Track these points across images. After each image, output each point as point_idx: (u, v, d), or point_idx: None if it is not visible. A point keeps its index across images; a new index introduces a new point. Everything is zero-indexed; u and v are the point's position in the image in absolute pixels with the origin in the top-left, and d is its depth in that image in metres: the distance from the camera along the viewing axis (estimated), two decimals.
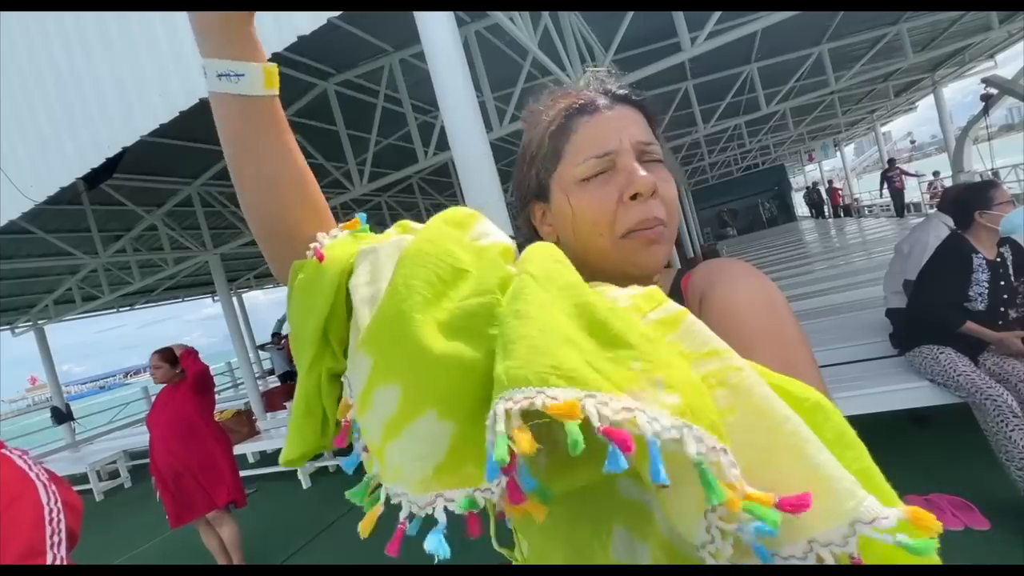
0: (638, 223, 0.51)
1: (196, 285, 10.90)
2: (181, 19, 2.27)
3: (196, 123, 4.52)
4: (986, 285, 2.10)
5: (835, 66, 6.99)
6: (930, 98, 11.68)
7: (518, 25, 2.87)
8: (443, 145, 4.86)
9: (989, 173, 10.38)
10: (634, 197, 0.51)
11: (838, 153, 19.33)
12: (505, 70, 4.74)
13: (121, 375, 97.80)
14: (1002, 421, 1.89)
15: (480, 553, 0.68)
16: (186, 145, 5.00)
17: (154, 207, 6.22)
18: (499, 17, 2.55)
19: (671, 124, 8.29)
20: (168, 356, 3.11)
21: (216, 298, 11.79)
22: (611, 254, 0.53)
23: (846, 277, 5.03)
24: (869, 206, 16.93)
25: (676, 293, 0.56)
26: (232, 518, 3.16)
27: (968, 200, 2.16)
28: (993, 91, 7.77)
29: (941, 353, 2.15)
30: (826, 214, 17.97)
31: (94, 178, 3.13)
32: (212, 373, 3.24)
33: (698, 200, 20.12)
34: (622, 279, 0.50)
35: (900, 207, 11.67)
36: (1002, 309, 2.11)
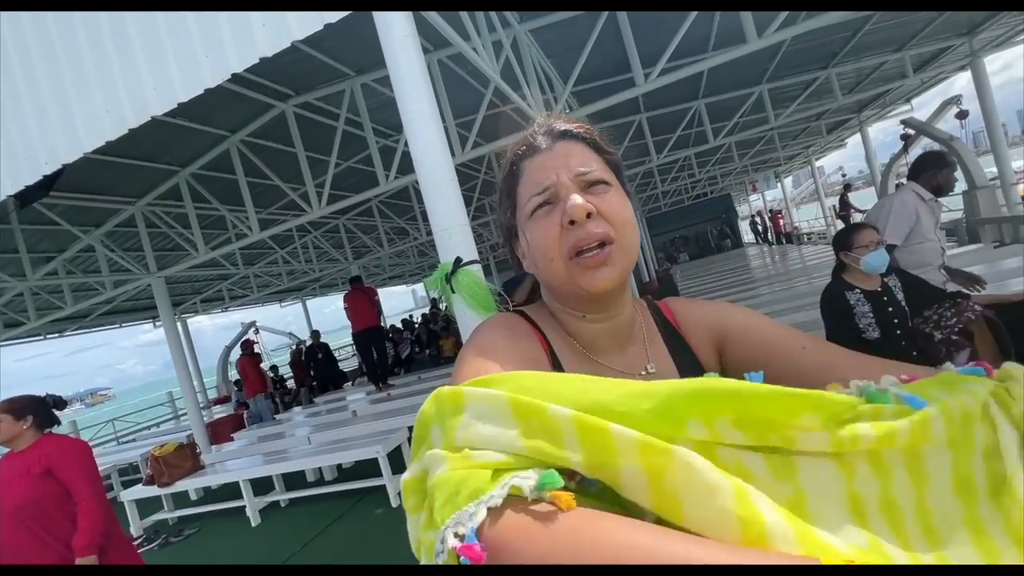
0: (575, 244, 0.56)
1: (135, 310, 10.27)
2: (134, 32, 2.20)
3: (144, 141, 4.37)
4: (871, 316, 2.28)
5: (774, 104, 7.52)
6: (858, 136, 12.72)
7: (480, 55, 2.95)
8: (405, 169, 4.85)
9: None
10: (572, 223, 0.56)
11: (779, 184, 20.64)
12: (467, 98, 4.82)
13: None
14: None
15: None
16: (131, 163, 4.78)
17: (92, 227, 5.86)
18: (462, 46, 2.61)
19: (625, 155, 8.63)
20: (14, 406, 2.21)
21: (157, 323, 11.12)
22: (564, 277, 0.58)
23: (791, 300, 5.31)
24: (808, 234, 18.11)
25: (662, 322, 0.69)
26: None
27: (836, 241, 2.42)
28: (911, 131, 8.57)
29: None
30: (769, 240, 19.08)
31: (27, 196, 2.93)
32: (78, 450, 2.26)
33: (652, 227, 20.87)
34: (578, 299, 0.61)
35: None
36: (897, 332, 2.28)
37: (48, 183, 2.79)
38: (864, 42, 6.50)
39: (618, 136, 7.57)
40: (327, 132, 5.03)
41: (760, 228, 20.19)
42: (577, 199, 0.56)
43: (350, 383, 9.21)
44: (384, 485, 3.97)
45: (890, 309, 2.28)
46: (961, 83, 8.63)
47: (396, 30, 1.73)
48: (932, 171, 2.80)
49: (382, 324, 7.37)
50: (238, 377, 11.32)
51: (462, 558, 0.34)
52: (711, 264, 13.82)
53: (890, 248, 2.63)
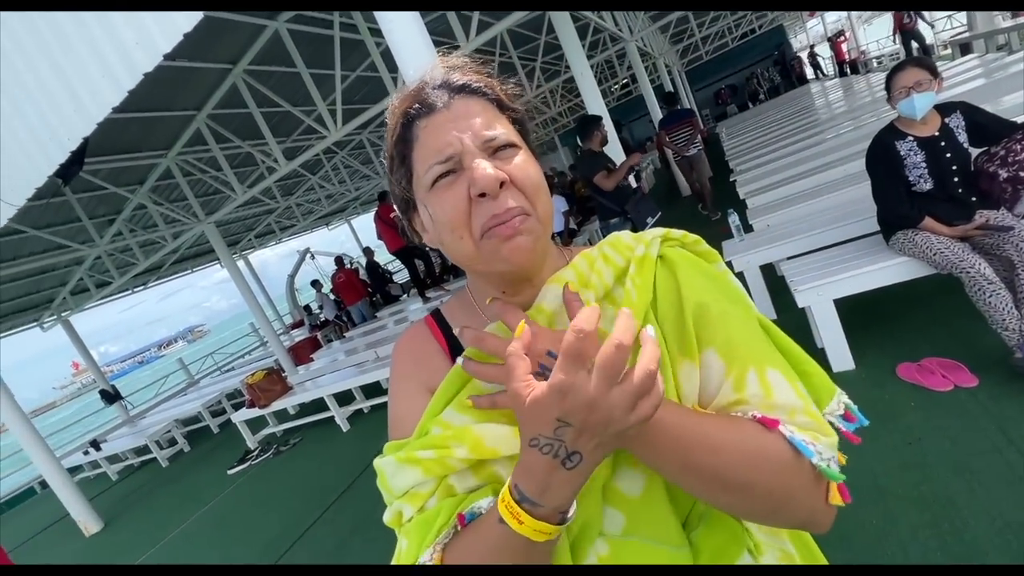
0: (491, 219, 0.50)
1: (201, 254, 10.97)
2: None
3: (154, 93, 4.35)
4: (924, 165, 2.08)
5: None
6: None
7: None
8: None
9: None
10: (482, 195, 0.50)
11: None
12: None
13: (155, 348, 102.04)
14: (979, 290, 1.94)
15: None
16: (150, 116, 4.81)
17: (136, 185, 6.12)
18: None
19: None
20: None
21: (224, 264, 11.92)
22: (476, 256, 0.52)
23: (857, 144, 4.77)
24: (878, 58, 15.78)
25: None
26: None
27: (886, 86, 2.16)
28: None
29: (917, 235, 2.16)
30: (830, 73, 16.97)
31: (67, 172, 3.07)
32: None
33: (693, 81, 18.94)
34: (498, 277, 0.56)
35: (908, 50, 10.84)
36: (955, 179, 2.07)
37: (78, 157, 2.90)
38: None
39: None
40: (326, 44, 4.77)
41: (811, 64, 17.92)
42: (487, 168, 0.49)
43: (406, 295, 9.64)
44: None
45: (948, 155, 2.05)
46: None
47: None
48: None
49: (409, 242, 7.47)
50: (306, 303, 12.29)
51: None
52: (764, 113, 12.48)
53: None
